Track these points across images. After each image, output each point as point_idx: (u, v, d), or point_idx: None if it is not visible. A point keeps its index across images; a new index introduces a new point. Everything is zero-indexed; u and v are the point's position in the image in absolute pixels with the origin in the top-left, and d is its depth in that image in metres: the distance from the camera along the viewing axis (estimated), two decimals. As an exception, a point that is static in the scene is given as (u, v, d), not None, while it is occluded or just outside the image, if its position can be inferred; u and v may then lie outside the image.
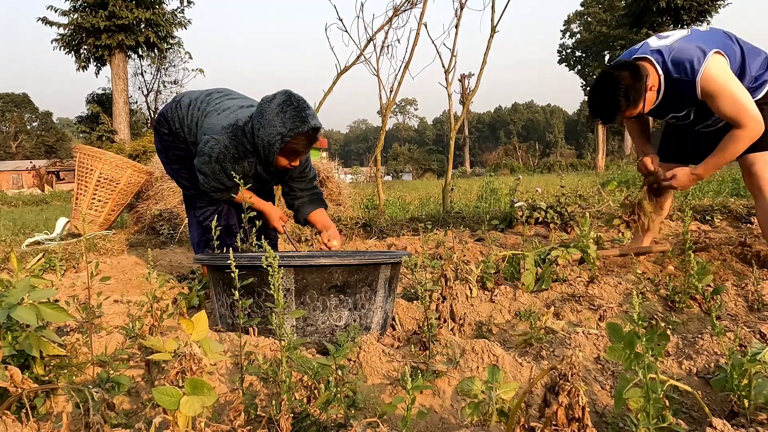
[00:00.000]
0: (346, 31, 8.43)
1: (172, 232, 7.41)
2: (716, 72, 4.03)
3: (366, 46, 8.41)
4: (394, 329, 3.55)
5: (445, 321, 3.26)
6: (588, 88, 4.33)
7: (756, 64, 4.20)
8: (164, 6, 39.51)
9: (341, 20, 8.33)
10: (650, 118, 4.77)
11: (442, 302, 3.28)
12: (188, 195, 4.69)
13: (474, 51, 10.54)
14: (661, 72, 4.19)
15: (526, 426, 1.82)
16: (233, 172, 4.03)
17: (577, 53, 76.83)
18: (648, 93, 4.18)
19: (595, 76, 4.41)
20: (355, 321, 3.21)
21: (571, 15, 79.56)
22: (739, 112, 4.03)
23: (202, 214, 4.45)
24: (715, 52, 4.06)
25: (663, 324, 3.26)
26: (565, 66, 78.10)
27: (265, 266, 2.24)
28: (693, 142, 4.57)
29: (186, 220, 7.31)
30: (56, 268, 5.21)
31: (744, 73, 4.17)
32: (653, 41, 4.35)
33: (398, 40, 8.79)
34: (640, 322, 1.80)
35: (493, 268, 4.07)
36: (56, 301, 2.68)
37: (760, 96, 4.16)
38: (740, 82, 4.09)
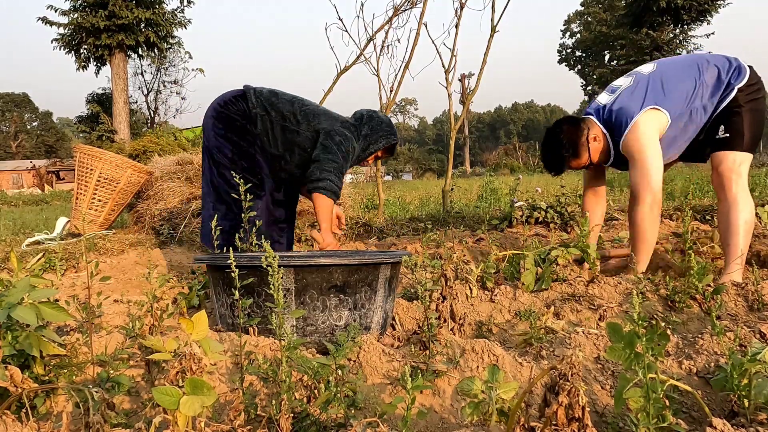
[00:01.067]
0: (346, 30, 8.45)
1: (172, 231, 7.41)
2: (637, 136, 4.19)
3: (366, 46, 8.43)
4: (394, 329, 3.55)
5: (445, 321, 3.26)
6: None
7: (727, 73, 4.25)
8: (164, 6, 39.54)
9: (341, 20, 8.35)
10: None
11: (442, 302, 3.28)
12: (226, 190, 4.68)
13: (474, 51, 10.54)
14: (602, 127, 4.45)
15: (526, 426, 1.82)
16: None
17: (577, 53, 76.75)
18: (593, 144, 4.44)
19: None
20: (355, 321, 3.21)
21: (571, 15, 79.51)
22: (641, 183, 4.19)
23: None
24: (649, 110, 4.20)
25: (663, 324, 3.26)
26: (565, 66, 77.94)
27: (264, 266, 2.24)
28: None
29: (194, 218, 7.33)
30: (56, 268, 5.22)
31: (721, 83, 4.24)
32: (602, 97, 4.62)
33: (398, 40, 8.77)
34: (640, 322, 1.80)
35: (493, 267, 4.08)
36: (56, 300, 2.69)
37: (728, 101, 4.21)
38: (658, 153, 4.20)
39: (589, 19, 74.10)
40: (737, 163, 4.19)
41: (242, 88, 4.85)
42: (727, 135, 4.22)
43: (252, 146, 4.70)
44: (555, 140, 4.49)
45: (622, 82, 4.53)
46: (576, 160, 4.48)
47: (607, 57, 69.16)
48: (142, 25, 38.35)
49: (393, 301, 3.53)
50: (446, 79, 8.46)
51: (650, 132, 4.18)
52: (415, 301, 3.95)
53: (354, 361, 2.69)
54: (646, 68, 4.50)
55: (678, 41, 45.89)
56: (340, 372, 2.24)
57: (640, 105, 4.22)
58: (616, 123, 4.30)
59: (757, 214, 5.98)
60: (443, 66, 8.40)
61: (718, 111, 4.24)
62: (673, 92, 4.22)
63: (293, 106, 4.76)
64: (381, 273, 3.29)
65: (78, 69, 38.18)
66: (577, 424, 1.74)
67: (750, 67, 4.28)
